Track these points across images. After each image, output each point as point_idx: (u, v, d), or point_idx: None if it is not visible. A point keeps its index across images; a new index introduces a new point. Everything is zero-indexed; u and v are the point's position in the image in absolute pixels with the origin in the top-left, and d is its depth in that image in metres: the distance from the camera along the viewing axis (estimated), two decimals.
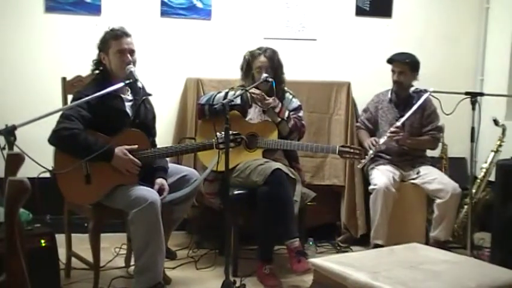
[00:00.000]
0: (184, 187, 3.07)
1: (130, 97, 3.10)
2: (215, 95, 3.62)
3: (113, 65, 3.03)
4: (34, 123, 2.20)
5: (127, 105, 3.06)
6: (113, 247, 3.61)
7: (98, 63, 3.11)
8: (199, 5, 4.35)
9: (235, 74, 3.75)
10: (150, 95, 3.17)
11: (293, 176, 3.44)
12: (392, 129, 3.81)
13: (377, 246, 3.68)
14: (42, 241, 2.89)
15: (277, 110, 3.54)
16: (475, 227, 3.96)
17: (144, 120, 3.11)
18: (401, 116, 3.94)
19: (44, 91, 3.96)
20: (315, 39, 4.59)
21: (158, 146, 3.18)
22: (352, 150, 3.47)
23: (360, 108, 4.28)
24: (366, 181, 3.98)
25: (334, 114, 4.23)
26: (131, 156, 2.90)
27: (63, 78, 3.28)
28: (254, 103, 3.58)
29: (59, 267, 3.02)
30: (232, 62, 3.79)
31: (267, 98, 3.51)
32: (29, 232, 2.86)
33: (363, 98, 4.29)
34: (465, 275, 2.35)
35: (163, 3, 4.28)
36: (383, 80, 4.13)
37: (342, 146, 3.50)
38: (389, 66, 4.00)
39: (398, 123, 3.81)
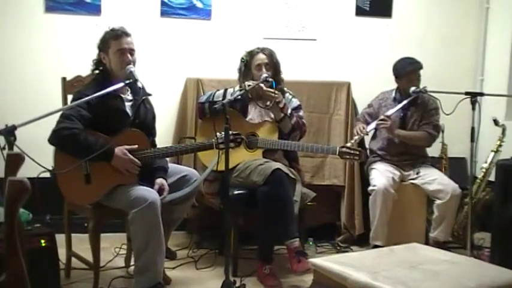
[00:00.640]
0: (184, 187, 3.07)
1: (130, 97, 3.10)
2: (214, 93, 3.63)
3: (113, 65, 3.03)
4: (34, 123, 2.20)
5: (127, 105, 3.06)
6: (113, 247, 3.61)
7: (98, 63, 3.11)
8: (199, 5, 4.35)
9: (235, 74, 3.75)
10: (150, 95, 3.17)
11: (293, 176, 3.44)
12: (381, 116, 3.82)
13: (376, 247, 3.68)
14: (42, 241, 2.89)
15: (281, 105, 3.53)
16: (475, 227, 3.96)
17: (144, 120, 3.11)
18: (405, 115, 3.95)
19: (44, 91, 3.96)
20: (315, 39, 4.59)
21: (158, 146, 3.18)
22: (352, 151, 3.47)
23: (360, 108, 4.27)
24: (366, 181, 3.98)
25: (334, 114, 4.24)
26: (131, 156, 2.90)
27: (63, 78, 3.28)
28: (258, 99, 3.57)
29: (59, 267, 3.02)
30: (232, 62, 3.79)
31: (272, 90, 3.50)
32: (29, 232, 2.86)
33: (363, 98, 4.29)
34: (465, 275, 2.35)
35: (163, 3, 4.28)
36: (383, 80, 4.13)
37: (342, 147, 3.50)
38: (389, 66, 3.99)
39: (388, 113, 3.82)
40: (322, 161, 4.18)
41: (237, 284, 3.00)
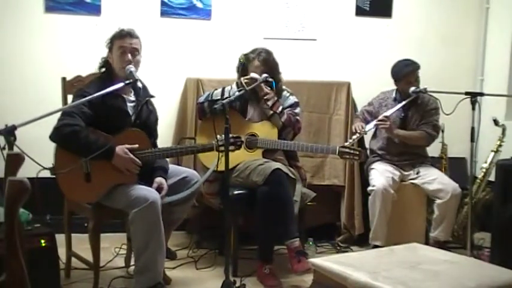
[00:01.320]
0: (184, 188, 3.07)
1: (132, 98, 3.10)
2: (212, 92, 3.63)
3: (115, 63, 3.04)
4: (34, 123, 2.20)
5: (129, 105, 3.06)
6: (113, 247, 3.61)
7: (105, 61, 3.12)
8: (199, 5, 4.35)
9: (235, 74, 3.75)
10: (153, 96, 3.19)
11: (293, 176, 3.44)
12: (380, 117, 3.82)
13: (376, 247, 3.68)
14: (42, 241, 2.89)
15: (269, 102, 3.53)
16: (475, 227, 3.96)
17: (145, 121, 3.11)
18: (405, 116, 3.95)
19: (44, 91, 3.96)
20: (315, 39, 4.59)
21: (159, 147, 3.18)
22: (352, 151, 3.47)
23: (360, 108, 4.27)
24: (366, 181, 3.98)
25: (334, 114, 4.24)
26: (132, 156, 2.90)
27: (63, 78, 3.28)
28: (256, 96, 3.58)
29: (59, 267, 3.02)
30: (232, 62, 3.79)
31: (265, 88, 3.51)
32: (29, 232, 2.86)
33: (363, 98, 4.29)
34: (465, 275, 2.35)
35: (163, 3, 4.28)
36: (383, 80, 4.12)
37: (342, 147, 3.50)
38: (389, 66, 3.99)
39: (387, 114, 3.82)
40: (322, 161, 4.18)
41: (237, 284, 3.00)
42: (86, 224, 3.31)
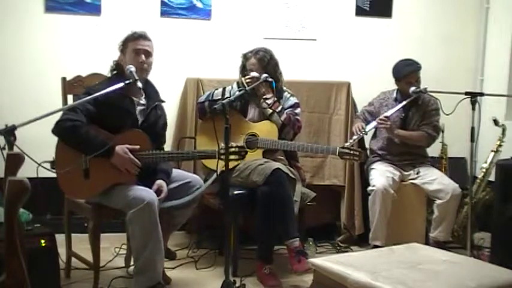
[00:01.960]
0: (186, 193, 3.08)
1: (143, 101, 3.11)
2: (213, 92, 3.63)
3: (128, 65, 3.02)
4: (34, 123, 2.20)
5: (138, 108, 3.07)
6: (113, 247, 3.61)
7: (117, 64, 3.12)
8: (199, 5, 4.35)
9: (235, 74, 3.75)
10: (163, 101, 3.21)
11: (293, 176, 3.44)
12: (381, 117, 3.82)
13: (376, 247, 3.68)
14: (42, 241, 2.90)
15: (269, 101, 3.54)
16: (475, 227, 3.96)
17: (153, 125, 3.11)
18: (406, 116, 3.95)
19: (44, 91, 3.96)
20: (315, 39, 4.59)
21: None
22: (352, 152, 3.47)
23: (360, 108, 4.27)
24: (366, 181, 3.98)
25: (334, 114, 4.24)
26: (131, 156, 2.90)
27: (63, 78, 3.28)
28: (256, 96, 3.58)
29: (59, 267, 3.02)
30: (232, 62, 3.80)
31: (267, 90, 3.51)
32: (29, 232, 2.87)
33: (363, 98, 4.29)
34: (465, 275, 2.35)
35: (163, 3, 4.28)
36: (383, 80, 4.13)
37: (342, 148, 3.50)
38: (389, 66, 3.99)
39: (387, 114, 3.81)
40: (322, 161, 4.18)
41: (237, 284, 3.00)
42: (86, 224, 3.31)
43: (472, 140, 3.39)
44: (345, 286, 2.31)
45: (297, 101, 3.73)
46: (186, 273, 3.44)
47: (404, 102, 3.83)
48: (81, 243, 3.29)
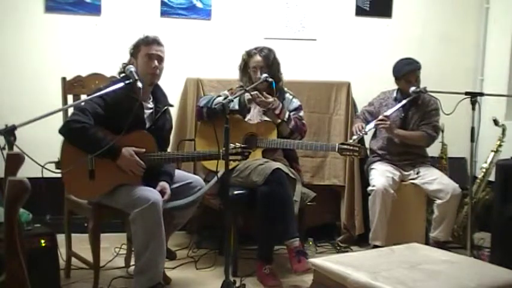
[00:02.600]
0: (188, 194, 3.08)
1: (151, 105, 3.11)
2: (214, 98, 3.61)
3: (140, 69, 3.01)
4: (34, 123, 2.20)
5: (146, 112, 3.07)
6: (113, 247, 3.61)
7: (125, 67, 3.11)
8: (199, 5, 4.35)
9: (235, 74, 3.75)
10: (171, 105, 3.22)
11: (293, 176, 3.44)
12: (380, 117, 3.82)
13: (376, 247, 3.68)
14: (42, 241, 2.90)
15: (277, 111, 3.54)
16: (475, 227, 3.96)
17: (160, 128, 3.11)
18: (405, 116, 3.95)
19: (44, 91, 3.96)
20: (315, 39, 4.59)
21: None
22: (351, 148, 3.48)
23: (360, 108, 4.27)
24: (366, 181, 3.98)
25: (334, 114, 4.24)
26: (137, 158, 2.91)
27: (63, 78, 3.28)
28: (255, 103, 3.58)
29: (59, 267, 3.02)
30: (232, 62, 3.80)
31: (267, 96, 3.51)
32: (29, 232, 2.87)
33: (363, 98, 4.29)
34: (465, 275, 2.35)
35: (163, 3, 4.28)
36: (383, 80, 4.13)
37: (342, 144, 3.51)
38: (389, 66, 3.99)
39: (387, 113, 3.82)
40: (322, 161, 4.18)
41: (237, 284, 3.00)
42: (86, 224, 3.31)
43: (472, 140, 3.39)
44: (345, 286, 2.31)
45: (299, 103, 3.74)
46: (186, 273, 3.44)
47: (403, 102, 3.83)
48: (81, 243, 3.29)
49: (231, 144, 2.95)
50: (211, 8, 4.37)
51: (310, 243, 3.74)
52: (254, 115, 3.64)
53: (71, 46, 4.14)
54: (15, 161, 1.97)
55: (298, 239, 3.26)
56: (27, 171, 2.06)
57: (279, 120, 3.56)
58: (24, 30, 4.07)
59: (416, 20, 4.76)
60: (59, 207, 3.26)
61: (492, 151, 4.03)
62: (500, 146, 4.02)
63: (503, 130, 4.00)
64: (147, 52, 3.04)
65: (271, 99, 3.52)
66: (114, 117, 2.93)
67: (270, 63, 3.58)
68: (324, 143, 3.69)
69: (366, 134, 3.91)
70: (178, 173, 3.21)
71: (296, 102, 3.72)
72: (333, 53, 4.62)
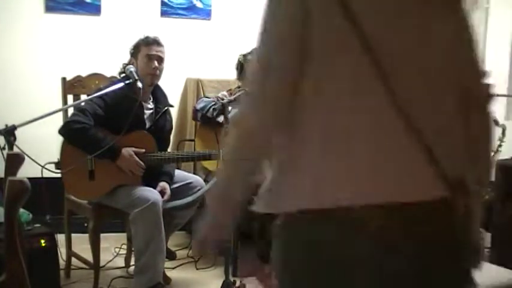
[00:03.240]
0: (187, 194, 3.08)
1: (151, 105, 3.11)
2: (210, 106, 3.56)
3: (139, 70, 3.01)
4: (34, 123, 2.20)
5: (146, 112, 3.07)
6: (113, 247, 3.60)
7: (126, 67, 3.11)
8: (199, 5, 4.35)
9: (235, 74, 3.75)
10: (171, 106, 3.22)
11: None
12: None
13: None
14: (42, 241, 2.89)
15: None
16: None
17: (160, 129, 3.11)
18: None
19: (44, 91, 3.96)
20: None
21: None
22: None
23: None
24: None
25: None
26: (137, 159, 2.91)
27: (63, 78, 3.28)
28: None
29: (59, 267, 3.02)
30: (232, 63, 3.79)
31: None
32: (29, 232, 2.86)
33: None
34: None
35: (163, 3, 4.28)
36: None
37: None
38: None
39: None
40: None
41: (237, 284, 3.00)
42: (86, 224, 3.31)
43: None
44: None
45: None
46: (186, 273, 3.44)
47: None
48: (81, 243, 3.29)
49: None
50: (211, 8, 4.37)
51: None
52: None
53: (71, 46, 4.14)
54: (15, 161, 1.97)
55: None
56: (27, 171, 2.06)
57: None
58: (24, 30, 4.07)
59: None
60: (59, 207, 3.26)
61: (492, 151, 4.02)
62: (500, 146, 4.01)
63: (503, 130, 3.99)
64: (147, 53, 3.04)
65: None
66: (114, 118, 2.93)
67: None
68: None
69: None
70: (178, 173, 3.21)
71: None
72: None
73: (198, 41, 4.37)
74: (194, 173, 3.62)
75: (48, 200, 2.82)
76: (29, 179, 1.97)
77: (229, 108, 3.14)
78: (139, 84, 2.95)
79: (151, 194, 2.85)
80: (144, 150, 2.95)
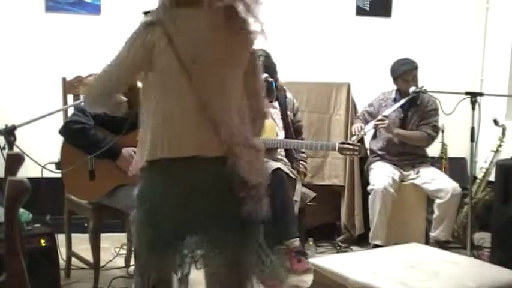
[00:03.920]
0: None
1: None
2: None
3: None
4: (34, 123, 2.20)
5: None
6: (113, 247, 3.61)
7: None
8: None
9: None
10: None
11: (293, 176, 3.44)
12: (379, 117, 3.82)
13: (376, 246, 3.68)
14: (42, 241, 2.89)
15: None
16: (475, 227, 3.96)
17: None
18: (405, 116, 3.95)
19: (44, 91, 3.96)
20: (315, 39, 4.59)
21: None
22: (351, 147, 3.48)
23: (360, 108, 4.27)
24: (366, 181, 3.98)
25: (334, 115, 4.24)
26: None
27: (63, 78, 3.28)
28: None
29: (59, 267, 3.02)
30: None
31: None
32: (29, 232, 2.86)
33: (363, 98, 4.29)
34: (465, 275, 2.35)
35: None
36: (383, 80, 4.12)
37: (342, 143, 3.51)
38: (389, 66, 3.98)
39: (385, 113, 3.82)
40: (322, 161, 4.18)
41: None
42: (86, 224, 3.30)
43: (472, 140, 3.39)
44: (345, 286, 2.31)
45: (297, 104, 3.75)
46: None
47: (402, 101, 3.82)
48: (81, 243, 3.29)
49: None
50: None
51: (310, 243, 3.74)
52: None
53: (71, 46, 4.14)
54: (15, 161, 1.97)
55: (298, 239, 3.26)
56: (27, 171, 2.06)
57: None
58: (24, 30, 4.07)
59: (416, 20, 4.76)
60: (59, 207, 3.26)
61: (492, 151, 4.03)
62: (500, 146, 4.02)
63: (503, 130, 3.99)
64: None
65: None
66: (114, 118, 2.93)
67: (267, 68, 3.56)
68: (324, 142, 3.69)
69: (365, 134, 3.91)
70: None
71: (295, 103, 3.74)
72: (333, 53, 4.62)
73: None
74: None
75: (48, 200, 2.82)
76: (29, 179, 1.97)
77: None
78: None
79: None
80: None
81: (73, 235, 3.29)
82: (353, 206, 4.12)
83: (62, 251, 3.16)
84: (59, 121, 3.00)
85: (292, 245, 3.23)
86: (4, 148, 2.00)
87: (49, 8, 4.10)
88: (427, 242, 3.84)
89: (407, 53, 4.08)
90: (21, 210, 2.65)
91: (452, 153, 4.41)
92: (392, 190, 3.75)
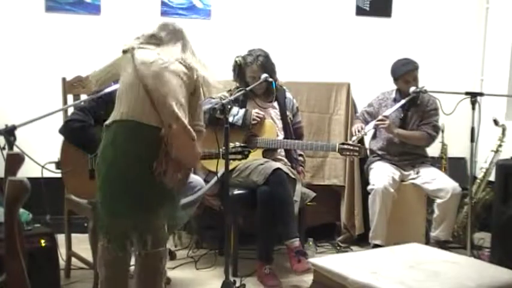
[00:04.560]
0: (188, 194, 3.08)
1: None
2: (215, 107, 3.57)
3: None
4: (34, 123, 2.20)
5: None
6: None
7: None
8: (199, 5, 4.35)
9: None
10: None
11: (293, 176, 3.44)
12: (379, 117, 3.82)
13: (376, 246, 3.68)
14: (42, 241, 2.89)
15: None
16: (475, 227, 3.96)
17: None
18: (405, 116, 3.95)
19: (44, 91, 3.96)
20: (314, 39, 4.59)
21: None
22: (351, 148, 3.48)
23: (360, 108, 4.27)
24: (366, 181, 3.98)
25: (334, 114, 4.23)
26: None
27: (63, 78, 3.28)
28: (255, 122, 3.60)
29: (59, 267, 3.02)
30: (232, 63, 3.79)
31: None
32: (29, 232, 2.86)
33: (363, 98, 4.29)
34: (465, 275, 2.35)
35: (163, 3, 4.28)
36: (383, 80, 4.12)
37: (342, 144, 3.51)
38: (389, 66, 3.98)
39: (386, 113, 3.81)
40: (322, 161, 4.18)
41: (237, 284, 3.00)
42: (86, 224, 3.30)
43: (472, 140, 3.39)
44: (345, 286, 2.31)
45: (297, 104, 3.75)
46: (186, 273, 3.44)
47: (402, 101, 3.82)
48: (81, 243, 3.29)
49: (231, 144, 2.94)
50: (211, 8, 4.38)
51: (310, 243, 3.74)
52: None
53: (71, 46, 4.14)
54: (15, 161, 1.97)
55: (298, 239, 3.25)
56: (27, 171, 2.06)
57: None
58: (24, 30, 4.07)
59: (416, 20, 4.77)
60: (59, 207, 3.26)
61: (492, 151, 4.03)
62: (500, 146, 4.02)
63: (503, 130, 4.00)
64: None
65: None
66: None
67: (266, 69, 3.56)
68: (324, 143, 3.69)
69: (366, 134, 3.91)
70: None
71: (295, 104, 3.74)
72: (333, 53, 4.62)
73: (198, 41, 4.36)
74: (194, 173, 3.61)
75: (48, 200, 2.82)
76: (29, 179, 1.98)
77: (229, 107, 3.15)
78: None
79: None
80: None
81: (73, 235, 3.30)
82: (353, 206, 4.12)
83: (62, 251, 3.16)
84: (59, 121, 3.00)
85: (292, 245, 3.23)
86: (4, 148, 2.00)
87: (49, 8, 4.10)
88: (427, 242, 3.84)
89: (407, 53, 4.08)
90: (21, 210, 2.65)
91: (452, 153, 4.41)
92: (392, 190, 3.75)
